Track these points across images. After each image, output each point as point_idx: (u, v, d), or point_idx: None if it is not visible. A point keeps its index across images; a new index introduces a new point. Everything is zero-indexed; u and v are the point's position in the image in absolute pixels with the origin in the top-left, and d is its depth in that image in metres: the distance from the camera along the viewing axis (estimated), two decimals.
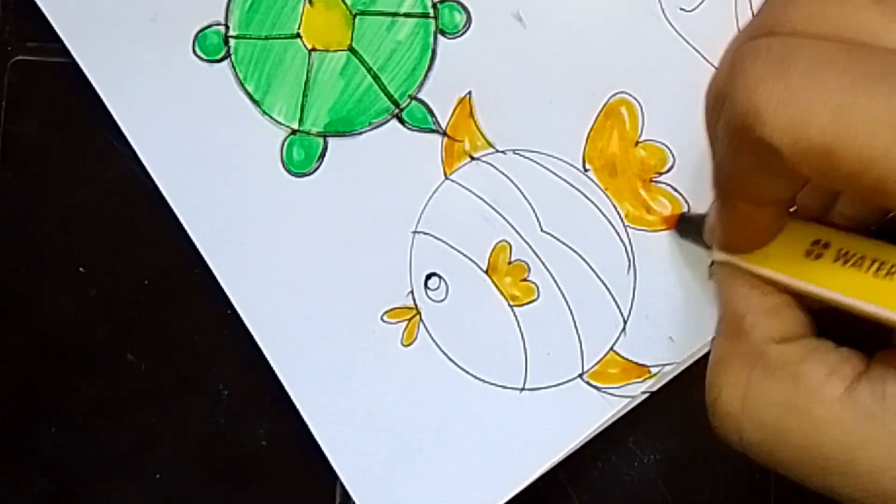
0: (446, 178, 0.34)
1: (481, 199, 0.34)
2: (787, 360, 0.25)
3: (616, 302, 0.34)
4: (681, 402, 0.34)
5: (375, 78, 0.34)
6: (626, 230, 0.34)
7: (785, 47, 0.22)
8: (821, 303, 0.25)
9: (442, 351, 0.34)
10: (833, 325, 0.26)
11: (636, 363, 0.33)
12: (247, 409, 0.36)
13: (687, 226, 0.33)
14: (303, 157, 0.34)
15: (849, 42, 0.22)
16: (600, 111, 0.34)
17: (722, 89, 0.23)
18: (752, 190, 0.24)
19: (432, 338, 0.34)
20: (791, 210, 0.27)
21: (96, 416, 0.36)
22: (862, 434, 0.23)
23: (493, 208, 0.34)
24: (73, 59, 0.35)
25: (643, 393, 0.33)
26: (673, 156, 0.33)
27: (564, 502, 0.35)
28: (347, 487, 0.34)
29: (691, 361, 0.33)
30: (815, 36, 0.22)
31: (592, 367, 0.34)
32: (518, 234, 0.34)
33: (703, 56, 0.33)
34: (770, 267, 0.27)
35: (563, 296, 0.34)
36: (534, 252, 0.34)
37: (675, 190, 0.34)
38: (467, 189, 0.34)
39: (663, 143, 0.33)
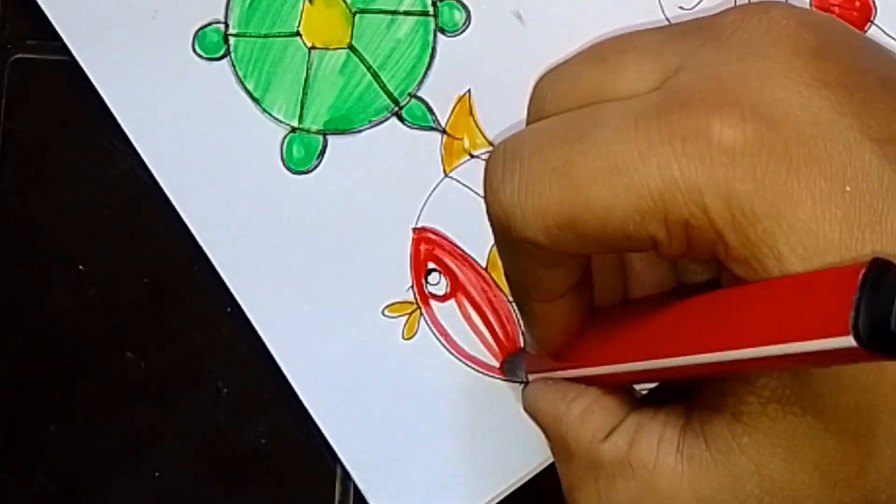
0: (446, 175, 0.34)
1: (481, 196, 0.34)
2: (619, 455, 0.25)
3: None
4: None
5: (375, 76, 0.34)
6: None
7: (515, 141, 0.23)
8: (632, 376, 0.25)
9: (442, 345, 0.34)
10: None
11: None
12: (246, 407, 0.36)
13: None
14: (303, 154, 0.34)
15: (565, 113, 0.23)
16: None
17: None
18: (536, 286, 0.25)
19: (432, 332, 0.34)
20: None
21: (96, 415, 0.36)
22: (704, 488, 0.23)
23: None
24: (73, 58, 0.35)
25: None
26: None
27: (564, 501, 0.35)
28: (352, 476, 0.34)
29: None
30: (545, 119, 0.23)
31: None
32: None
33: None
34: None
35: None
36: None
37: None
38: (467, 186, 0.34)
39: None
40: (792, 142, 0.21)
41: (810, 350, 0.19)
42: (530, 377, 0.31)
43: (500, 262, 0.34)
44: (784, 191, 0.20)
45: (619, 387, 0.27)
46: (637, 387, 0.28)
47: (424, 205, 0.34)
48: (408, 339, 0.34)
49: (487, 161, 0.24)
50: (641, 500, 0.24)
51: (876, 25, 0.32)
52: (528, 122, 0.25)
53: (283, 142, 0.34)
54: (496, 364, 0.34)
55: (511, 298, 0.34)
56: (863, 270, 0.18)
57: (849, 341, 0.18)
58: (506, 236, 0.23)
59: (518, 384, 0.34)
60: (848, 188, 0.20)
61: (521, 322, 0.28)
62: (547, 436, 0.28)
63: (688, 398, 0.25)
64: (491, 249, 0.34)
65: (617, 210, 0.21)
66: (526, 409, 0.30)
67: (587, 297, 0.27)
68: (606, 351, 0.26)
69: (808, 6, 0.32)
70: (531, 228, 0.22)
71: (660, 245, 0.22)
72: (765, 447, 0.22)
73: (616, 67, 0.23)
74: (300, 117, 0.34)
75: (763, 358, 0.20)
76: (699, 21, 0.24)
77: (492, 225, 0.24)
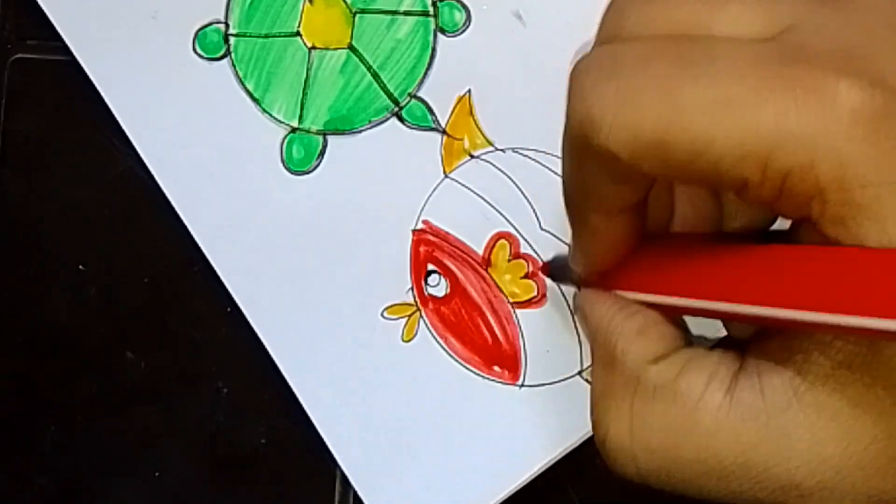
0: (446, 176, 0.34)
1: (481, 197, 0.34)
2: (665, 380, 0.24)
3: None
4: None
5: (375, 76, 0.34)
6: None
7: (614, 53, 0.23)
8: (689, 311, 0.25)
9: (441, 347, 0.34)
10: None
11: None
12: (246, 407, 0.36)
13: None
14: (302, 155, 0.34)
15: (677, 37, 0.23)
16: None
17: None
18: (599, 200, 0.25)
19: (432, 334, 0.34)
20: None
21: (96, 415, 0.36)
22: (750, 434, 0.23)
23: (493, 206, 0.34)
24: (74, 57, 0.35)
25: None
26: None
27: (564, 501, 0.35)
28: (350, 479, 0.34)
29: None
30: (647, 38, 0.23)
31: None
32: (518, 231, 0.34)
33: None
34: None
35: (563, 293, 0.34)
36: (533, 250, 0.34)
37: None
38: (467, 187, 0.34)
39: None
40: None
41: None
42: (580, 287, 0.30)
43: (500, 259, 0.34)
44: None
45: (674, 318, 0.26)
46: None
47: (424, 205, 0.34)
48: (407, 341, 0.34)
49: (580, 63, 0.23)
50: (676, 428, 0.24)
51: None
52: (601, 39, 0.24)
53: (283, 142, 0.34)
54: (496, 366, 0.34)
55: (512, 300, 0.34)
56: None
57: None
58: (583, 143, 0.22)
59: (517, 387, 0.34)
60: None
61: (572, 238, 0.27)
62: (593, 341, 0.27)
63: (742, 346, 0.24)
64: (491, 250, 0.34)
65: (717, 143, 0.21)
66: (576, 312, 0.30)
67: (644, 217, 0.26)
68: (669, 281, 0.25)
69: None
70: (617, 141, 0.21)
71: (749, 188, 0.21)
72: (826, 410, 0.22)
73: (721, 5, 0.23)
74: (300, 117, 0.34)
75: (852, 327, 0.20)
76: None
77: (570, 128, 0.23)
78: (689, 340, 0.26)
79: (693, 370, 0.24)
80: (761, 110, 0.20)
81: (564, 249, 0.34)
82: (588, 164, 0.23)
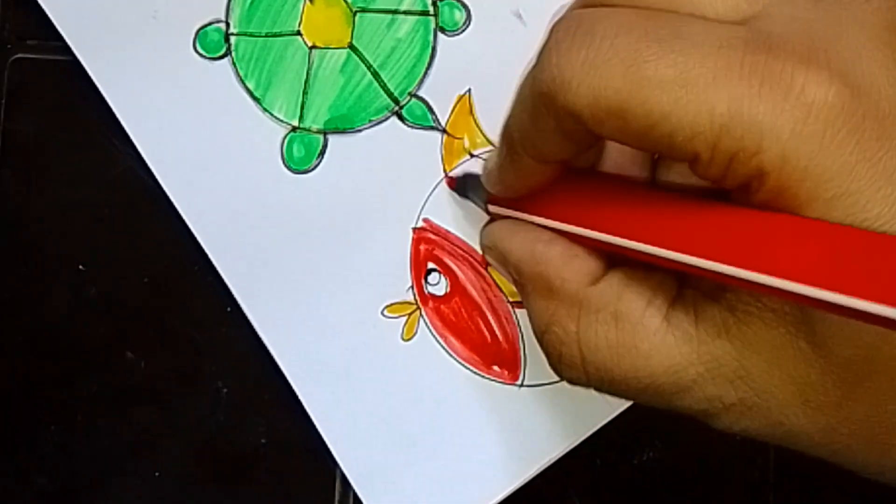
0: (446, 175, 0.34)
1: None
2: (606, 301, 0.26)
3: None
4: None
5: (375, 75, 0.34)
6: None
7: (592, 17, 0.23)
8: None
9: (441, 346, 0.34)
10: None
11: None
12: (246, 407, 0.36)
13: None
14: (303, 154, 0.34)
15: (653, 9, 0.24)
16: None
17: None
18: (540, 148, 0.26)
19: (432, 333, 0.34)
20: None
21: (96, 414, 0.36)
22: (683, 357, 0.25)
23: None
24: (74, 57, 0.35)
25: None
26: None
27: (564, 501, 0.35)
28: (349, 478, 0.34)
29: None
30: (622, 8, 0.24)
31: None
32: None
33: None
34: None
35: None
36: None
37: None
38: None
39: None
40: (870, 115, 0.21)
41: (845, 305, 0.19)
42: (491, 209, 0.31)
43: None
44: (846, 161, 0.21)
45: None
46: None
47: (425, 204, 0.34)
48: (407, 339, 0.34)
49: (555, 25, 0.24)
50: (618, 349, 0.26)
51: None
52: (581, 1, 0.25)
53: (283, 141, 0.34)
54: (496, 366, 0.34)
55: (511, 299, 0.34)
56: None
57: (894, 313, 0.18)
58: (546, 99, 0.23)
59: (517, 387, 0.34)
60: None
61: (492, 164, 0.28)
62: (519, 272, 0.29)
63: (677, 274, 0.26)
64: None
65: (672, 119, 0.22)
66: (488, 245, 0.31)
67: (571, 162, 0.27)
68: (591, 217, 0.26)
69: None
70: (580, 103, 0.23)
71: (699, 162, 0.22)
72: (752, 344, 0.24)
73: None
74: (300, 117, 0.34)
75: (790, 293, 0.20)
76: None
77: (538, 81, 0.24)
78: (617, 259, 0.27)
79: (632, 294, 0.26)
80: (717, 93, 0.21)
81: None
82: (543, 116, 0.24)
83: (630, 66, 0.22)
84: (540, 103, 0.24)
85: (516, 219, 0.29)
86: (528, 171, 0.27)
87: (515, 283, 0.29)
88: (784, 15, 0.23)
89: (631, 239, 0.25)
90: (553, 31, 0.24)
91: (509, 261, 0.29)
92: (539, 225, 0.28)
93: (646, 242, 0.24)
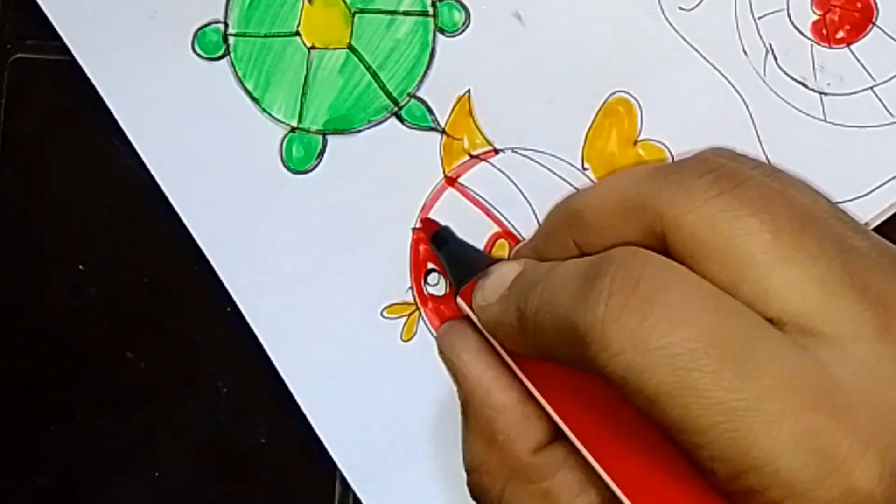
0: (445, 175, 0.34)
1: (480, 196, 0.34)
2: (542, 475, 0.26)
3: None
4: None
5: (374, 76, 0.34)
6: None
7: (653, 282, 0.22)
8: None
9: None
10: None
11: None
12: (246, 406, 0.36)
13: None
14: (302, 154, 0.34)
15: (713, 280, 0.23)
16: (599, 110, 0.34)
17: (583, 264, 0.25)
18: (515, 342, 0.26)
19: (432, 333, 0.34)
20: None
21: (96, 414, 0.36)
22: None
23: (492, 206, 0.34)
24: (73, 57, 0.35)
25: None
26: (671, 155, 0.33)
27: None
28: (349, 480, 0.34)
29: None
30: (687, 262, 0.23)
31: None
32: (517, 231, 0.34)
33: (702, 55, 0.33)
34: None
35: None
36: None
37: None
38: (466, 187, 0.34)
39: (662, 143, 0.33)
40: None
41: None
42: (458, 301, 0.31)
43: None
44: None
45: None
46: None
47: (424, 205, 0.34)
48: (407, 340, 0.34)
49: (618, 266, 0.23)
50: None
51: (878, 27, 0.32)
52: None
53: (282, 142, 0.34)
54: None
55: None
56: None
57: None
58: (578, 342, 0.23)
59: None
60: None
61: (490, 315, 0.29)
62: (466, 403, 0.28)
63: None
64: (490, 249, 0.34)
65: (710, 442, 0.21)
66: (443, 352, 0.30)
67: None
68: (559, 399, 0.26)
69: (808, 8, 0.32)
70: (616, 372, 0.22)
71: (710, 475, 0.22)
72: None
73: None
74: (300, 117, 0.34)
75: None
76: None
77: (572, 315, 0.23)
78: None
79: (569, 474, 0.25)
80: (764, 440, 0.20)
81: None
82: (566, 348, 0.23)
83: (680, 370, 0.21)
84: (573, 340, 0.23)
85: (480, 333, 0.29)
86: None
87: (461, 403, 0.29)
88: (857, 357, 0.21)
89: (581, 441, 0.24)
90: (605, 269, 0.23)
91: (460, 383, 0.29)
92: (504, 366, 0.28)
93: (592, 454, 0.24)
